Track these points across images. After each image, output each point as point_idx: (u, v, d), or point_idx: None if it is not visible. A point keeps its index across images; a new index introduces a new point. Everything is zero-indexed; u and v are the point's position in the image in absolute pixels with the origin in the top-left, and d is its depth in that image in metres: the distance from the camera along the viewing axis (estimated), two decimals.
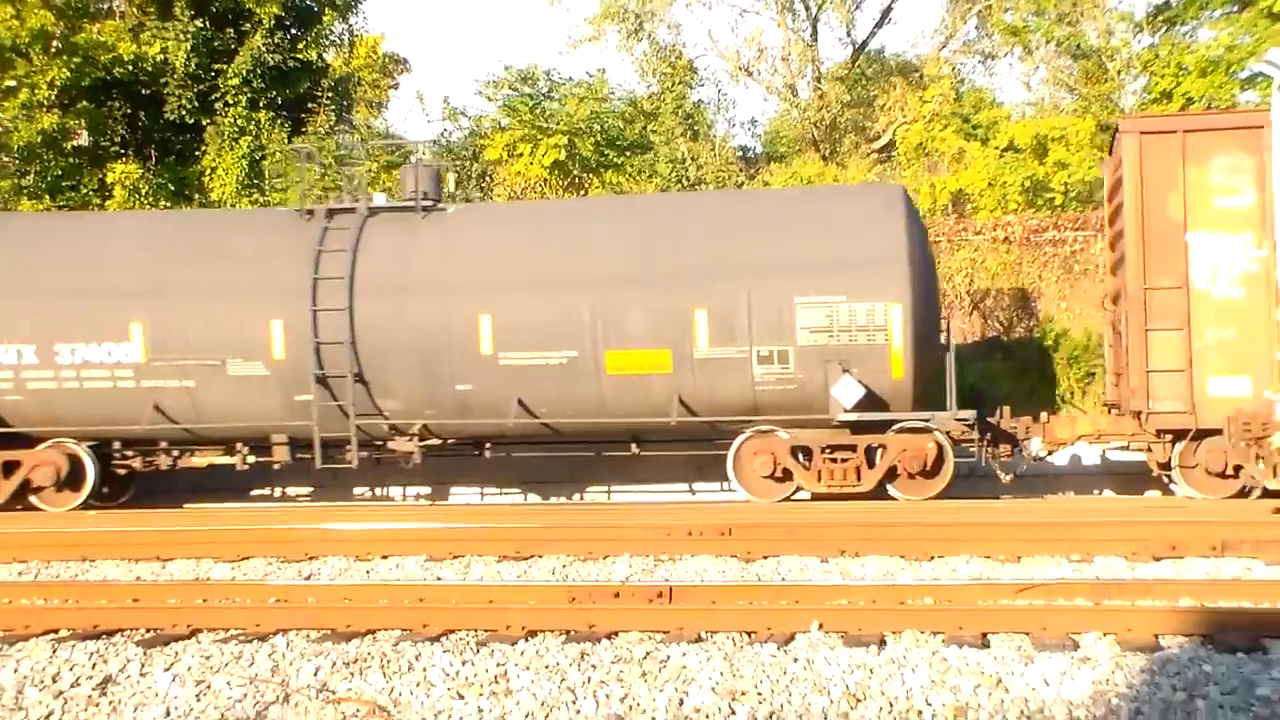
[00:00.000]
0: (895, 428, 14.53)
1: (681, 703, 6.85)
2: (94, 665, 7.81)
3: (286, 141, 21.42)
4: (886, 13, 36.39)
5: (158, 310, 15.34)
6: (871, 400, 14.37)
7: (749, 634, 8.01)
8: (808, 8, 35.46)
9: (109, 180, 21.88)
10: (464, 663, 7.54)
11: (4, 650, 8.21)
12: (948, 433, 14.52)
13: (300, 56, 22.93)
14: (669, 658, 7.47)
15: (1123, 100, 27.91)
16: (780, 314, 14.44)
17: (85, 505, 15.71)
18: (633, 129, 27.97)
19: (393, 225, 15.72)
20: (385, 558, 11.62)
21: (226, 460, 16.19)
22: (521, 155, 24.19)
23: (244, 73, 21.84)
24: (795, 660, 7.33)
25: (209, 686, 7.39)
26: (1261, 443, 12.64)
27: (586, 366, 14.77)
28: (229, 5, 22.31)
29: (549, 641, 8.00)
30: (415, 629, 8.41)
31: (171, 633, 8.57)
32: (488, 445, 16.06)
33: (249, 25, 22.26)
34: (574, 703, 6.91)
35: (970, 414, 14.56)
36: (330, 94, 23.06)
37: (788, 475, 14.85)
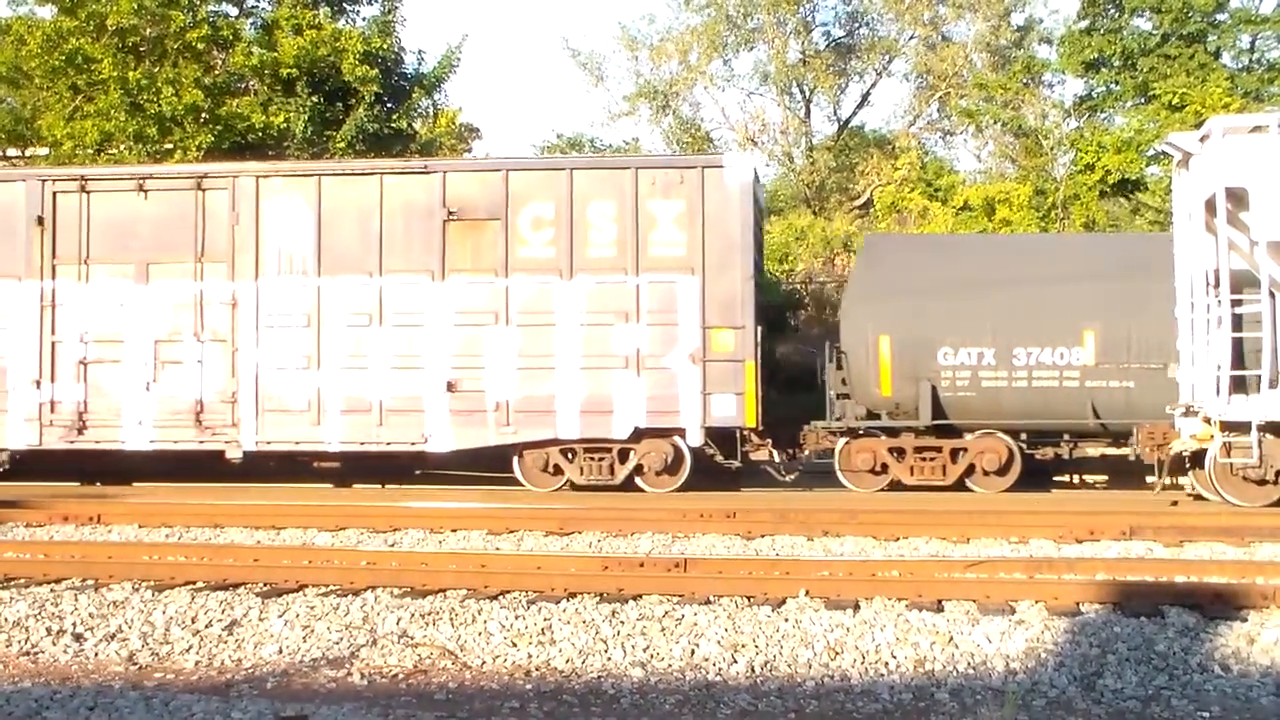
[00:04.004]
0: None
1: (693, 653, 6.83)
2: (223, 610, 7.83)
3: None
4: (866, 96, 36.68)
5: (1109, 320, 14.32)
6: None
7: (749, 598, 7.96)
8: (802, 91, 35.59)
9: None
10: (517, 617, 7.52)
11: (154, 596, 8.25)
12: None
13: (394, 125, 23.00)
14: (684, 616, 7.43)
15: (1055, 171, 27.81)
16: None
17: (1011, 488, 14.49)
18: None
19: None
20: (454, 531, 11.59)
21: (1118, 452, 14.87)
22: None
23: (349, 138, 21.93)
24: (786, 620, 7.29)
25: (313, 630, 7.41)
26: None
27: None
28: (338, 84, 22.39)
29: (586, 601, 7.97)
30: (478, 589, 8.37)
31: (284, 586, 8.58)
32: None
33: (354, 100, 22.34)
34: (606, 651, 6.90)
35: None
36: (418, 156, 23.13)
37: None
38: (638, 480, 14.99)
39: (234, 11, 24.02)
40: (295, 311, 15.36)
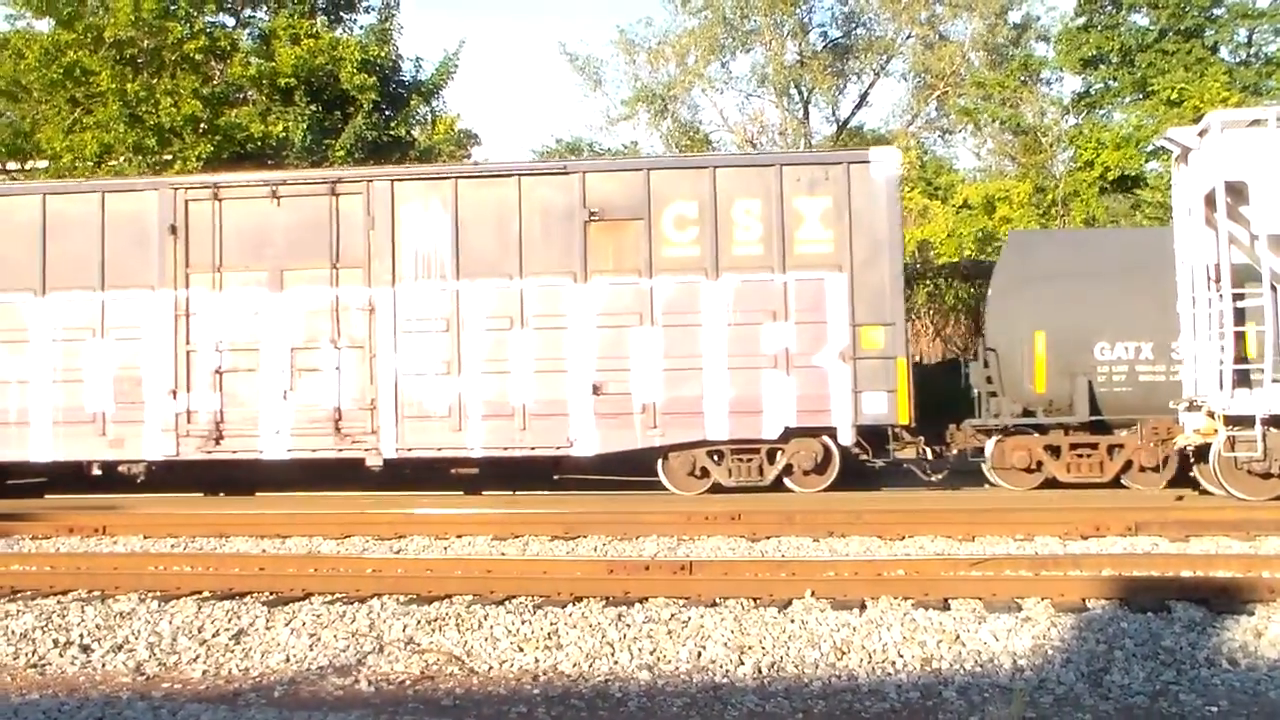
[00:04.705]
0: None
1: (699, 655, 6.83)
2: (229, 620, 7.84)
3: None
4: (864, 96, 36.58)
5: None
6: None
7: (755, 600, 7.96)
8: (800, 92, 35.58)
9: None
10: (523, 622, 7.53)
11: (160, 607, 8.26)
12: None
13: (393, 133, 23.09)
14: (690, 619, 7.43)
15: (1054, 168, 27.81)
16: None
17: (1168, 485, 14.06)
18: None
19: None
20: (459, 536, 11.60)
21: None
22: None
23: (348, 146, 21.99)
24: (792, 621, 7.30)
25: (319, 639, 7.40)
26: None
27: None
28: (337, 93, 22.47)
29: (592, 605, 7.97)
30: (484, 594, 8.37)
31: (290, 595, 8.59)
32: None
33: (352, 108, 22.42)
34: (612, 655, 6.89)
35: None
36: (416, 163, 23.18)
37: None
38: (786, 481, 14.87)
39: (231, 22, 24.11)
40: (434, 316, 15.22)
